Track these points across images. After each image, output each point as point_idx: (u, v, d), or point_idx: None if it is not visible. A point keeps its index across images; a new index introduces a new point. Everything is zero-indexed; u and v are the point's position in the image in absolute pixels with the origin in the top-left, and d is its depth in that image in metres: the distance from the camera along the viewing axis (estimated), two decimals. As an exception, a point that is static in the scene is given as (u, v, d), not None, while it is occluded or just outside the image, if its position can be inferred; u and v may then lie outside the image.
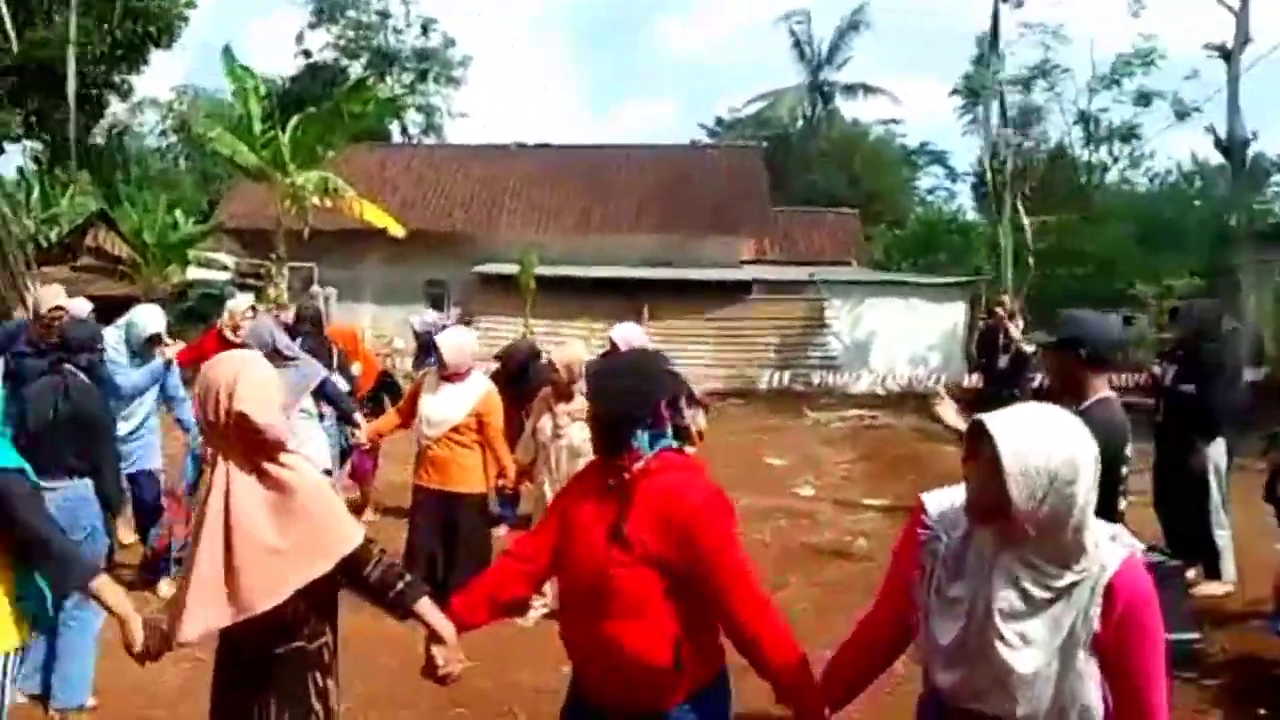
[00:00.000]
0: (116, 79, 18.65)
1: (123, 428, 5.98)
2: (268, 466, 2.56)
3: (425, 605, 2.69)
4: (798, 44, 42.01)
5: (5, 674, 2.80)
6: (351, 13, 41.17)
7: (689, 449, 2.65)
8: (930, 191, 45.46)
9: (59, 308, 5.96)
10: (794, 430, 14.68)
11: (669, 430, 2.59)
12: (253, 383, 2.56)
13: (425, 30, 42.06)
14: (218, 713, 2.72)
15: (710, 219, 23.03)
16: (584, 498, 2.68)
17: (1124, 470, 3.47)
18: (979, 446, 2.07)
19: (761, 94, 42.81)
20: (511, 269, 20.33)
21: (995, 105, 23.39)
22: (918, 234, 31.39)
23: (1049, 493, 1.97)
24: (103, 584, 2.77)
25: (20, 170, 24.05)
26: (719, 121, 45.53)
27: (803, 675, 2.48)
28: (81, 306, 6.80)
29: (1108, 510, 3.27)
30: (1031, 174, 23.57)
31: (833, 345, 20.42)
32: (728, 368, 19.99)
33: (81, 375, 4.82)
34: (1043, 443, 2.00)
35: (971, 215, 36.44)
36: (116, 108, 20.58)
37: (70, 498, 4.52)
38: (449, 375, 5.97)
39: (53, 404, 4.64)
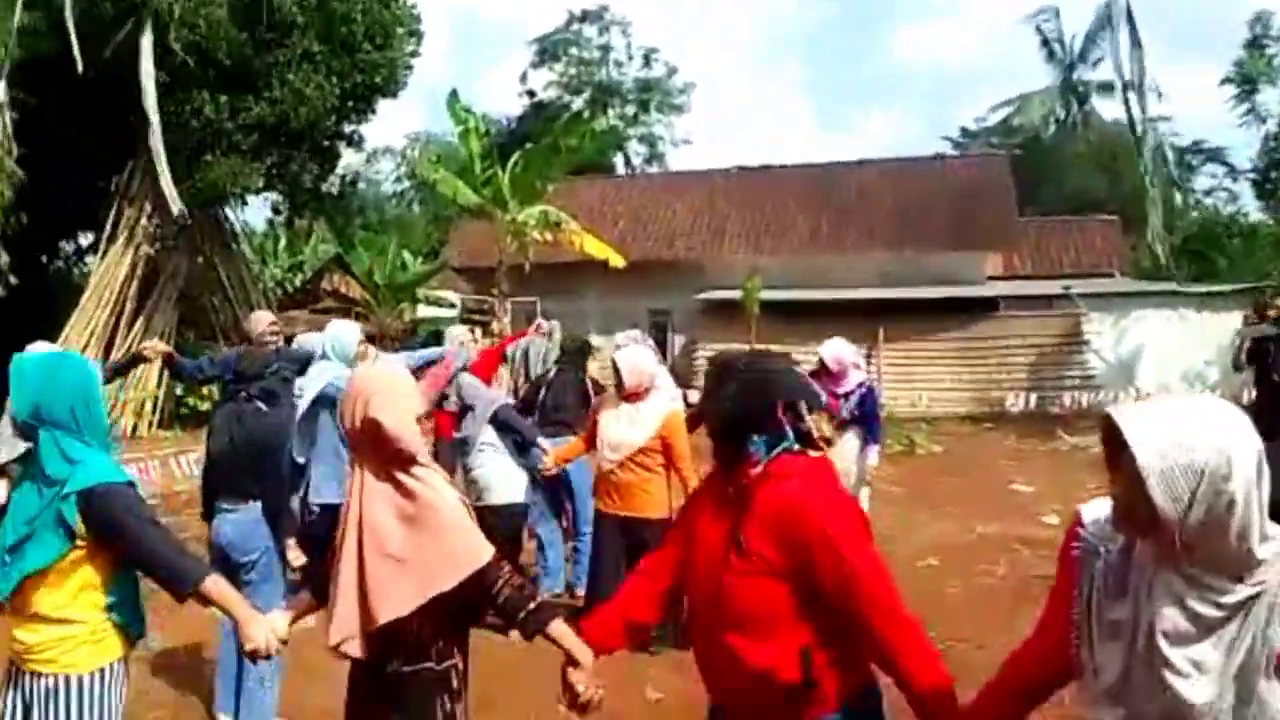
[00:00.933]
0: (347, 129, 20.08)
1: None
2: (400, 477, 2.61)
3: (559, 628, 2.68)
4: (1046, 43, 40.22)
5: (105, 686, 2.84)
6: (574, 50, 42.88)
7: (813, 453, 2.49)
8: (1208, 192, 42.17)
9: (275, 322, 6.48)
10: (1045, 455, 13.82)
11: (789, 434, 2.46)
12: (390, 392, 2.64)
13: (647, 61, 43.25)
14: None
15: (951, 233, 22.19)
16: (705, 507, 2.61)
17: None
18: (1117, 449, 1.84)
19: (1008, 99, 41.22)
20: (735, 294, 20.33)
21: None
22: (1192, 238, 29.11)
23: (1199, 494, 1.72)
24: (213, 587, 2.81)
25: (269, 221, 26.48)
26: (964, 131, 44.19)
27: (942, 698, 2.30)
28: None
29: None
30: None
31: (1092, 363, 19.14)
32: (974, 389, 19.16)
33: (258, 403, 5.03)
34: (1185, 437, 1.75)
35: (1256, 215, 33.47)
36: (349, 157, 22.25)
37: (243, 520, 4.76)
38: (629, 396, 5.87)
39: (229, 431, 4.89)
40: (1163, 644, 1.82)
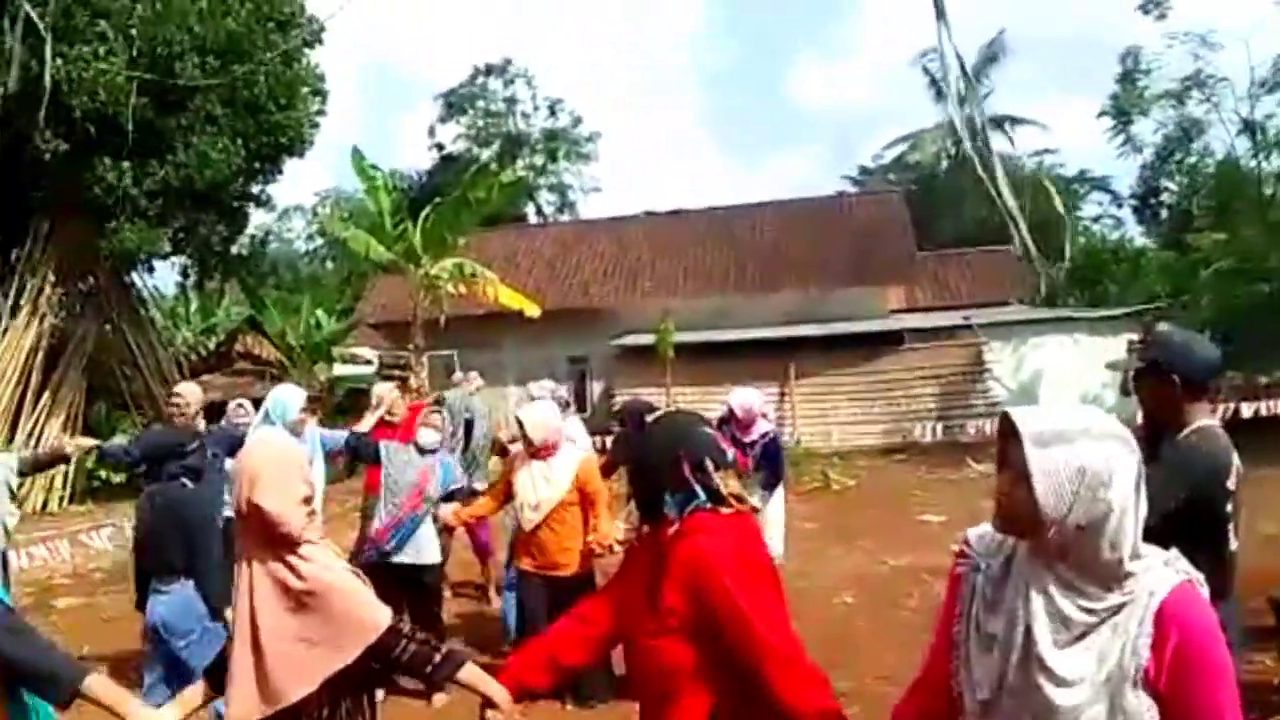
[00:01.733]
0: (255, 190, 19.88)
1: None
2: (288, 559, 2.59)
3: (470, 673, 2.73)
4: (934, 83, 41.53)
5: None
6: (480, 103, 43.04)
7: (725, 510, 2.57)
8: (1096, 219, 43.79)
9: (176, 394, 6.43)
10: (955, 484, 14.18)
11: (700, 492, 2.54)
12: (272, 475, 2.59)
13: (553, 111, 43.54)
14: None
15: (854, 270, 22.72)
16: (633, 565, 2.71)
17: (1227, 507, 3.14)
18: (1008, 446, 1.92)
19: (902, 136, 42.40)
20: (649, 339, 20.54)
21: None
22: (1080, 265, 30.14)
23: (1079, 497, 1.80)
24: (93, 685, 2.75)
25: (180, 285, 25.96)
26: (863, 170, 45.29)
27: None
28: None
29: (1215, 550, 3.03)
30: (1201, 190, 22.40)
31: (995, 390, 19.72)
32: (883, 422, 19.57)
33: (183, 480, 5.02)
34: (1074, 439, 1.83)
35: (1139, 240, 34.86)
36: (260, 217, 21.97)
37: (175, 600, 4.76)
38: (537, 453, 5.85)
39: (154, 510, 4.92)
40: (1038, 648, 1.85)
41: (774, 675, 2.37)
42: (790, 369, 19.95)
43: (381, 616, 2.65)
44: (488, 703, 2.67)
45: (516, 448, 6.43)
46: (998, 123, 40.82)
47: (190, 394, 6.49)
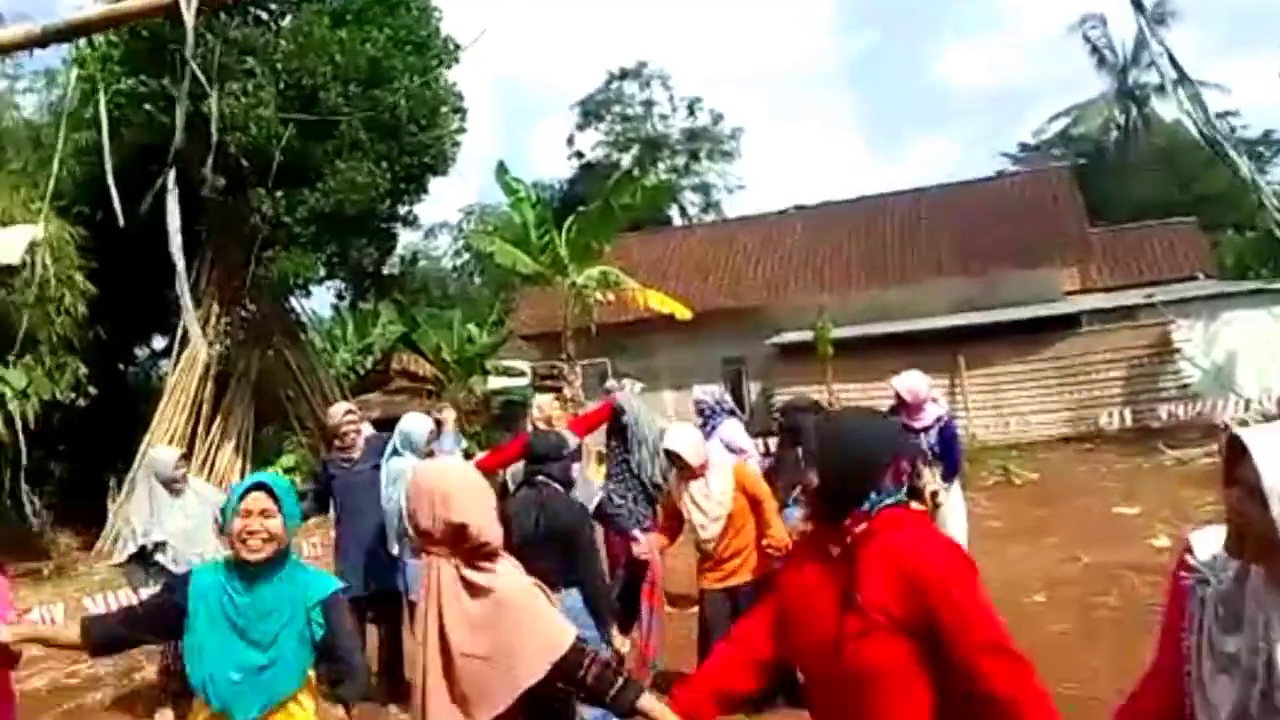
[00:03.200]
0: (401, 210, 20.56)
1: None
2: (476, 573, 2.66)
3: (648, 702, 2.72)
4: (1096, 50, 39.85)
5: None
6: (617, 108, 43.44)
7: (914, 505, 2.50)
8: (1287, 183, 41.08)
9: (351, 411, 6.77)
10: (1149, 473, 13.41)
11: (900, 491, 2.48)
12: (467, 490, 2.70)
13: (692, 110, 43.63)
14: None
15: (1022, 252, 21.87)
16: (805, 570, 2.59)
17: None
18: (1237, 468, 1.80)
19: (1065, 110, 40.81)
20: (806, 336, 20.23)
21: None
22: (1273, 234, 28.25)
23: None
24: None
25: (335, 308, 27.08)
26: (1023, 146, 43.79)
27: None
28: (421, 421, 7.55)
29: None
30: None
31: (1186, 372, 18.64)
32: (1065, 410, 18.75)
33: (556, 486, 5.00)
34: None
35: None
36: (407, 237, 22.67)
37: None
38: (694, 474, 5.89)
39: (535, 515, 4.81)
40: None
41: (992, 669, 2.30)
42: (960, 359, 19.30)
43: (567, 635, 2.70)
44: None
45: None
46: (1165, 88, 38.81)
47: (356, 413, 6.93)
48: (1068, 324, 19.81)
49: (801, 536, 2.72)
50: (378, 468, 6.60)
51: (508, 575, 2.70)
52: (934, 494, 2.47)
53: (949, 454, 7.09)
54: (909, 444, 2.58)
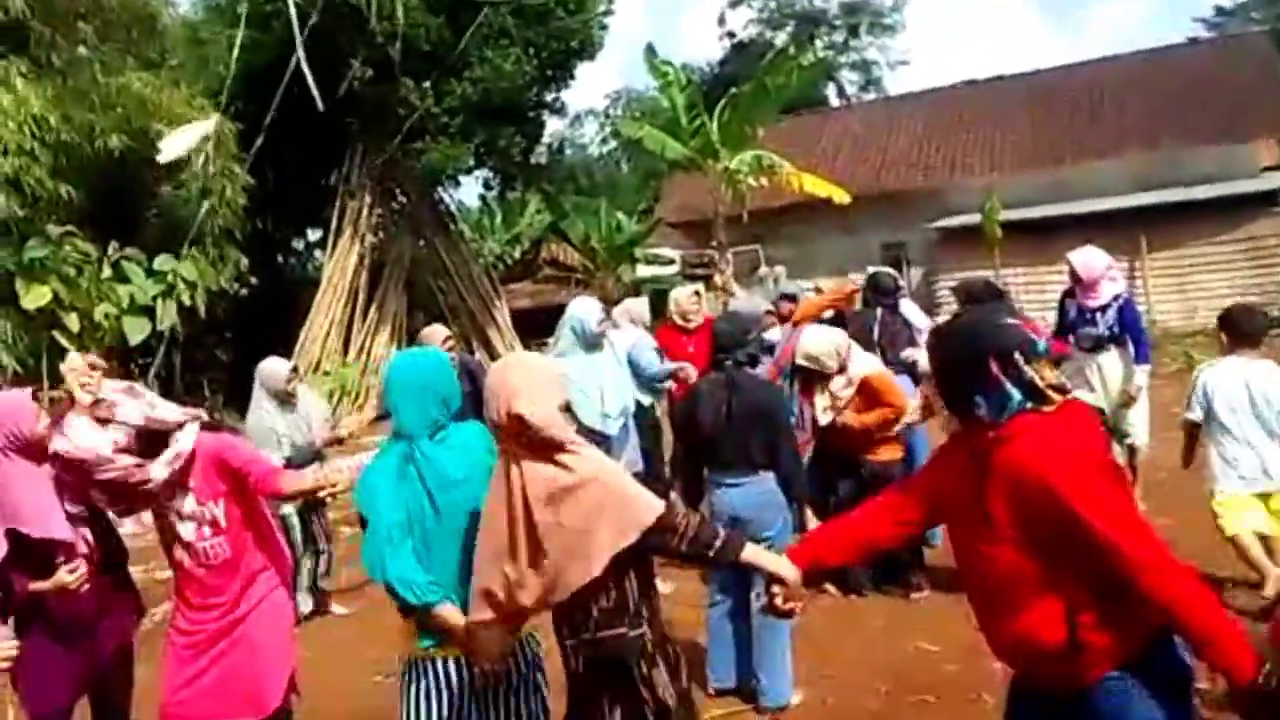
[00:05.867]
0: (549, 98, 20.70)
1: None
2: (556, 458, 2.79)
3: (752, 552, 2.84)
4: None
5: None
6: (769, -18, 42.32)
7: (1047, 408, 2.43)
8: None
9: (449, 338, 7.07)
10: (1352, 362, 12.72)
11: (1011, 391, 2.42)
12: (530, 383, 2.83)
13: (850, -19, 42.15)
14: (571, 710, 3.01)
15: (1215, 124, 20.59)
16: (949, 470, 2.63)
17: None
18: None
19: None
20: (973, 219, 19.68)
21: None
22: None
23: None
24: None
25: (483, 198, 27.63)
26: (1219, 11, 40.86)
27: (1218, 631, 2.24)
28: (639, 307, 7.85)
29: None
30: None
31: (1397, 253, 17.48)
32: (1256, 295, 17.84)
33: (748, 369, 5.01)
34: None
35: None
36: (554, 125, 22.85)
37: (754, 491, 4.74)
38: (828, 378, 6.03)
39: (725, 400, 4.79)
40: None
41: (1134, 576, 2.27)
42: (1142, 241, 18.52)
43: (654, 505, 2.78)
44: (774, 579, 2.77)
45: None
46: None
47: (440, 333, 7.14)
48: (1264, 201, 18.72)
49: (954, 432, 2.71)
50: (470, 393, 6.84)
51: (588, 455, 2.83)
52: (1056, 387, 2.34)
53: (1134, 335, 6.86)
54: (1006, 338, 2.46)
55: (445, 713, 3.13)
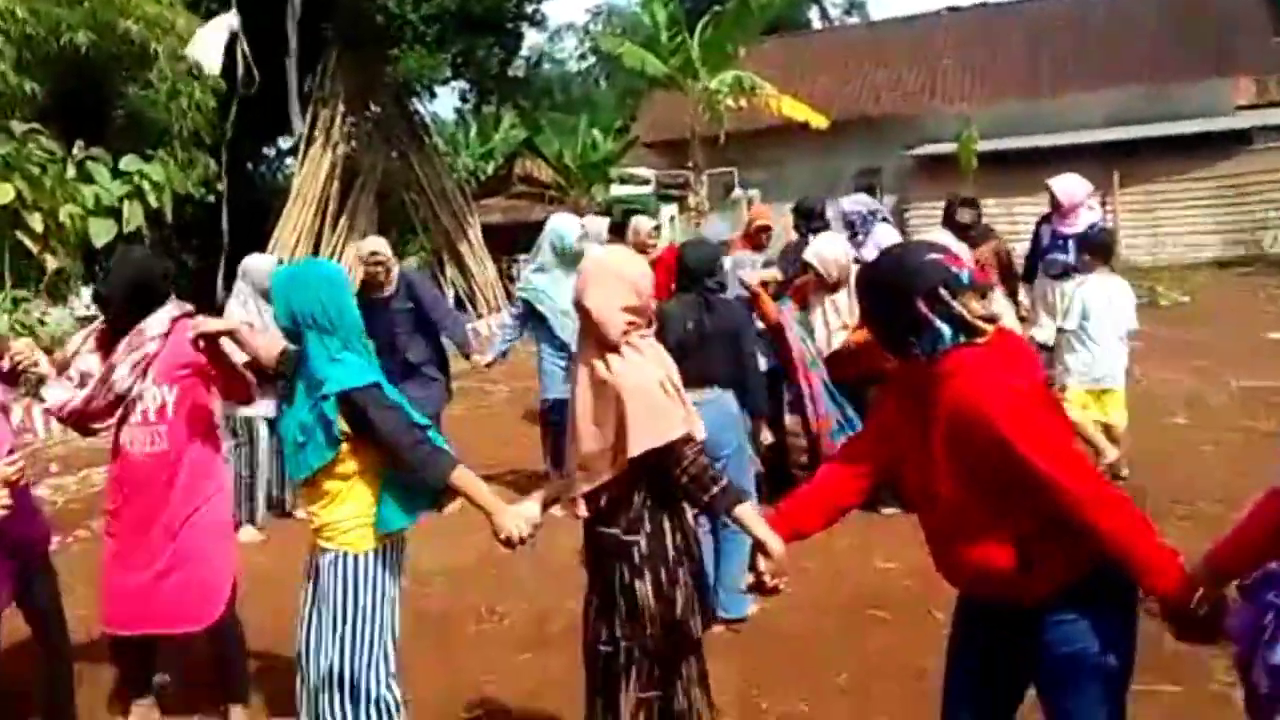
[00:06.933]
0: (528, 9, 20.25)
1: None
2: (603, 358, 2.88)
3: (746, 512, 2.84)
4: None
5: (374, 566, 3.16)
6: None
7: (979, 340, 2.40)
8: None
9: (375, 254, 6.79)
10: (1313, 298, 12.91)
11: (942, 328, 2.38)
12: (599, 279, 2.91)
13: (840, -102, 41.35)
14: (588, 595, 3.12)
15: (1193, 62, 20.49)
16: (894, 412, 2.64)
17: None
18: None
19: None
20: (949, 148, 19.59)
21: None
22: None
23: None
24: (460, 477, 3.04)
25: (457, 111, 27.20)
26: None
27: (1154, 558, 2.26)
28: (598, 225, 7.61)
29: None
30: None
31: (1369, 195, 17.59)
32: (1225, 233, 18.00)
33: (718, 293, 5.03)
34: None
35: None
36: (533, 38, 22.41)
37: (713, 412, 4.62)
38: (835, 286, 6.05)
39: (695, 318, 4.84)
40: None
41: (1070, 506, 2.26)
42: (1115, 176, 18.52)
43: (674, 428, 2.84)
44: (760, 547, 2.72)
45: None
46: None
47: (385, 248, 6.92)
48: (1237, 140, 18.76)
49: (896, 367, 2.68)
50: (411, 309, 6.79)
51: (634, 362, 2.87)
52: (986, 318, 2.27)
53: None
54: (928, 274, 2.40)
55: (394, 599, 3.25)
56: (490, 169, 24.69)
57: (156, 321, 3.71)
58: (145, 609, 3.71)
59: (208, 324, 3.59)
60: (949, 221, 7.63)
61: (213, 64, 12.28)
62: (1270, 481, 2.16)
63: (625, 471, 2.84)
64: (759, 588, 2.75)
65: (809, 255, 6.12)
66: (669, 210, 21.53)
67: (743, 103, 18.60)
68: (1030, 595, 2.41)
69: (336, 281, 3.19)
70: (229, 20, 12.52)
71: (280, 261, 7.10)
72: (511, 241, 19.85)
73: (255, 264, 6.81)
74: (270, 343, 3.53)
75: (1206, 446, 7.03)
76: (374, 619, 3.15)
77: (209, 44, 12.18)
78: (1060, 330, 6.32)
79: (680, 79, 18.71)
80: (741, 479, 4.75)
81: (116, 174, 13.98)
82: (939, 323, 2.38)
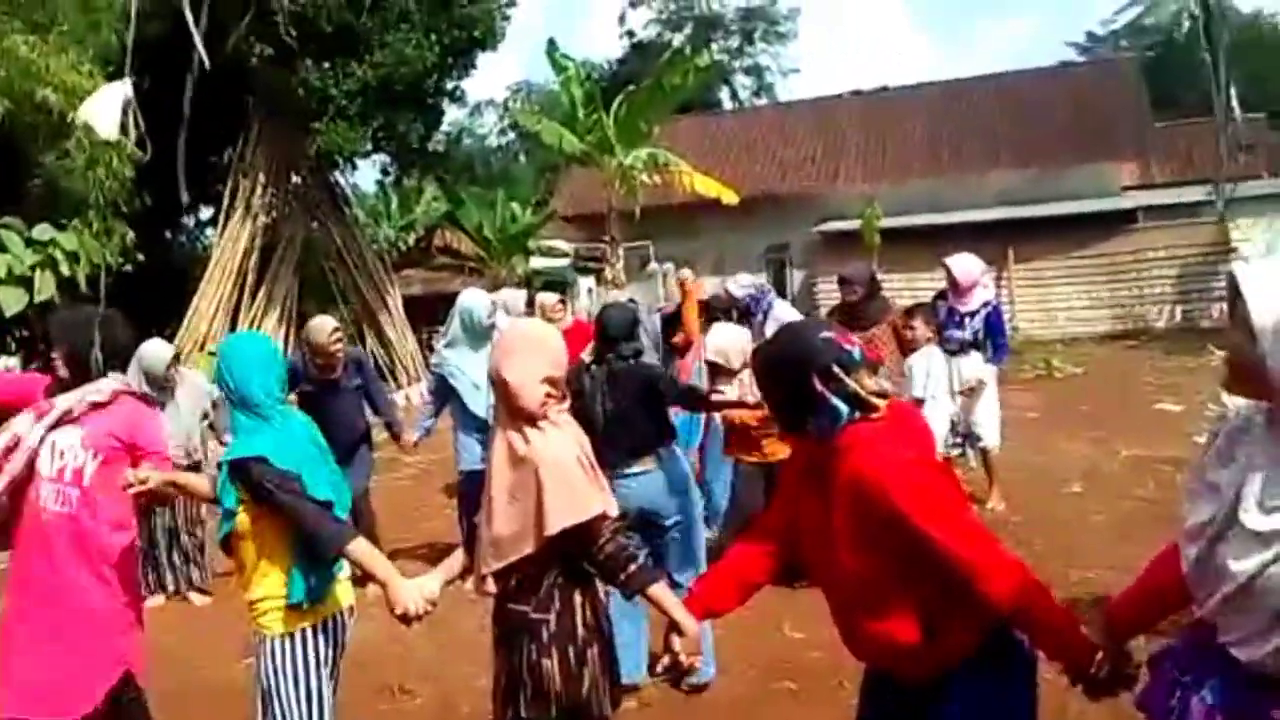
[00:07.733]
0: (449, 85, 20.32)
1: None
2: (520, 431, 2.81)
3: (660, 591, 2.78)
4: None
5: (291, 650, 3.05)
6: (669, -17, 42.36)
7: (875, 415, 2.41)
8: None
9: (336, 330, 6.57)
10: (1194, 372, 13.28)
11: (838, 405, 2.39)
12: (517, 349, 2.86)
13: (747, -12, 42.47)
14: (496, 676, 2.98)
15: (1079, 145, 21.39)
16: (798, 481, 2.63)
17: None
18: (1237, 305, 1.84)
19: (1136, -1, 39.22)
20: (854, 225, 20.03)
21: None
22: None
23: None
24: (357, 548, 2.95)
25: (379, 183, 27.09)
26: (1091, 37, 42.36)
27: (1053, 624, 2.30)
28: (516, 298, 7.69)
29: None
30: None
31: (1243, 272, 18.34)
32: (1113, 307, 18.61)
33: (631, 362, 4.84)
34: None
35: None
36: (453, 113, 22.45)
37: (652, 481, 4.66)
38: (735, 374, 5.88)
39: (605, 391, 4.69)
40: (1241, 509, 1.80)
41: (969, 575, 2.28)
42: (1009, 253, 19.10)
43: (594, 504, 2.77)
44: (675, 627, 2.63)
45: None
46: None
47: (329, 325, 6.61)
48: (1123, 220, 19.50)
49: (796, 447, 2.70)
50: (360, 387, 6.70)
51: (552, 439, 2.79)
52: (878, 393, 2.29)
53: (995, 338, 7.15)
54: (822, 352, 2.41)
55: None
56: (411, 240, 24.61)
57: (95, 390, 3.49)
58: (5, 690, 3.37)
59: (152, 477, 3.26)
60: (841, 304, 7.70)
61: (107, 129, 12.06)
62: (1159, 543, 2.22)
63: (540, 549, 2.75)
64: (675, 668, 2.68)
65: (709, 354, 5.83)
66: (587, 282, 21.63)
67: (657, 178, 18.85)
68: (934, 665, 2.41)
69: (242, 356, 3.12)
70: (123, 87, 12.34)
71: (176, 358, 6.84)
72: (432, 312, 19.67)
73: (150, 350, 6.46)
74: (200, 479, 3.52)
75: (1098, 516, 7.18)
76: (291, 709, 3.01)
77: (101, 108, 11.97)
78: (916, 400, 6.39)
79: (596, 155, 18.90)
80: (691, 544, 4.76)
81: (29, 243, 13.66)
82: (835, 400, 2.39)
